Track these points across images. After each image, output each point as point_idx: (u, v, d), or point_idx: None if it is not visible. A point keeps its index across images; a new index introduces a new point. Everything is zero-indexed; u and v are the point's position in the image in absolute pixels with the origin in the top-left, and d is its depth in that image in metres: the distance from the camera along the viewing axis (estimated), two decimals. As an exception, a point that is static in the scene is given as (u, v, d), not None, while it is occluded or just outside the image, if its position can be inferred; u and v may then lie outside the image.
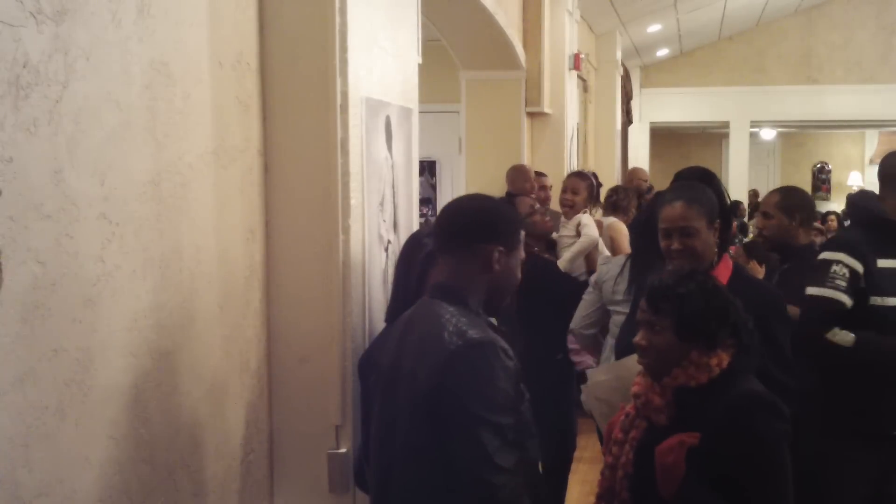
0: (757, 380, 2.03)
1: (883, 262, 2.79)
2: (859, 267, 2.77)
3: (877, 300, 2.76)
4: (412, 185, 3.03)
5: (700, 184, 2.46)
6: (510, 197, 5.75)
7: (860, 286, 2.75)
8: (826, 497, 2.80)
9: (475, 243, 1.90)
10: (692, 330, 2.01)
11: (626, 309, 3.02)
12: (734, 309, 2.04)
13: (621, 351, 2.55)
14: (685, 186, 2.46)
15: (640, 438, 2.04)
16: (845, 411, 2.78)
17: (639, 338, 2.06)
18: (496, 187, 6.30)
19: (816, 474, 2.75)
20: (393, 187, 2.82)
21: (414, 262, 2.30)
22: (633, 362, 2.28)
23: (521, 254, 2.01)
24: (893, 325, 2.75)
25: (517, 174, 5.87)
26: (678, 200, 2.40)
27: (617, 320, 3.41)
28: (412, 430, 1.81)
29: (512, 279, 1.97)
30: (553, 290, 3.87)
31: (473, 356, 1.76)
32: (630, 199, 5.79)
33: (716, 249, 2.43)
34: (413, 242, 2.41)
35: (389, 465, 1.88)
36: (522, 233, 2.02)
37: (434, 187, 9.02)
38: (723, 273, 2.41)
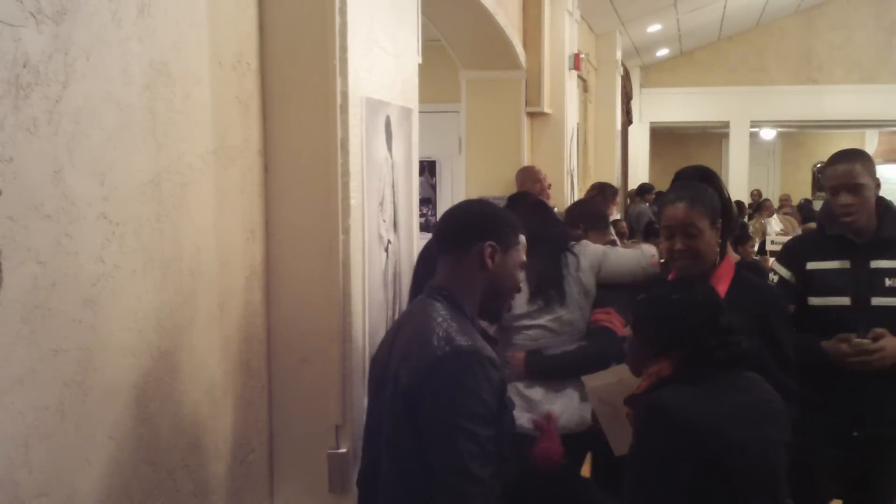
0: (713, 388, 1.94)
1: (812, 265, 2.88)
2: (787, 273, 2.92)
3: (814, 300, 2.85)
4: (412, 185, 3.03)
5: (701, 184, 2.46)
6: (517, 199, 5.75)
7: (796, 290, 2.86)
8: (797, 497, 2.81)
9: (469, 241, 1.92)
10: (638, 333, 2.07)
11: (532, 321, 2.99)
12: (686, 325, 1.98)
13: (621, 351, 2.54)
14: (687, 186, 2.46)
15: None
16: (812, 412, 2.79)
17: (625, 330, 2.13)
18: (496, 187, 6.31)
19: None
20: (393, 187, 2.83)
21: (426, 265, 2.28)
22: (619, 371, 2.29)
23: (521, 257, 2.01)
24: (833, 322, 2.78)
25: (526, 175, 5.86)
26: (681, 200, 2.39)
27: (530, 335, 3.03)
28: (393, 430, 1.81)
29: (509, 280, 1.97)
30: None
31: (458, 364, 1.75)
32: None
33: (717, 249, 2.42)
34: (427, 248, 2.38)
35: (375, 461, 1.88)
36: (523, 238, 2.01)
37: (434, 187, 9.02)
38: (725, 273, 2.40)
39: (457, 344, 1.77)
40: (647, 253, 3.20)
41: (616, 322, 3.13)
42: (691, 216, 2.36)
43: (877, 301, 2.76)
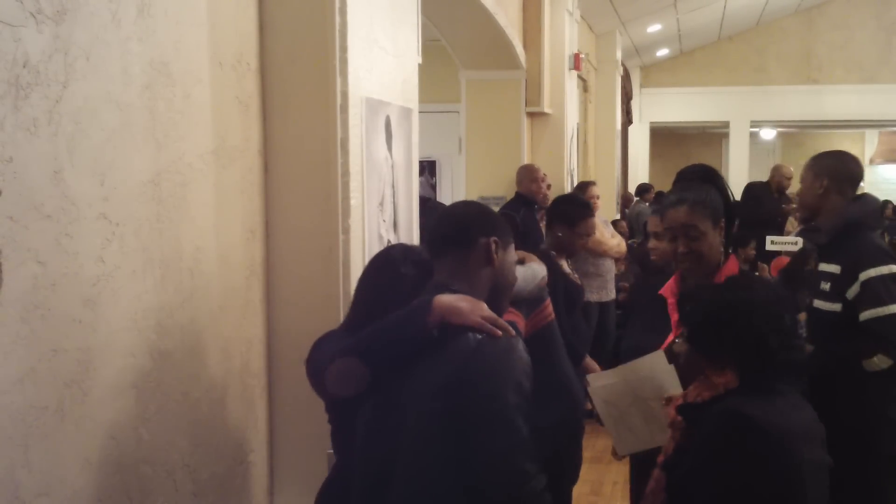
0: (780, 402, 1.87)
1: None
2: None
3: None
4: (412, 185, 3.03)
5: (704, 184, 2.44)
6: (520, 197, 5.74)
7: None
8: None
9: (473, 237, 1.91)
10: (697, 344, 1.96)
11: None
12: (751, 328, 1.88)
13: (624, 351, 2.52)
14: (688, 187, 2.44)
15: (665, 460, 2.00)
16: None
17: (677, 343, 2.04)
18: (496, 187, 6.31)
19: None
20: (393, 187, 2.83)
21: (390, 288, 2.08)
22: (638, 366, 2.26)
23: (515, 256, 2.02)
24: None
25: (524, 174, 5.85)
26: (682, 202, 2.38)
27: None
28: (422, 429, 1.79)
29: (510, 276, 1.98)
30: (565, 295, 3.79)
31: (498, 348, 1.76)
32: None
33: (721, 250, 2.41)
34: (387, 266, 2.15)
35: (381, 467, 1.84)
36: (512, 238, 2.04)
37: (434, 187, 9.02)
38: (730, 273, 2.39)
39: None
40: (538, 273, 2.97)
41: (518, 319, 3.12)
42: (693, 218, 2.34)
43: (816, 304, 2.84)
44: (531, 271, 2.88)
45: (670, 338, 2.35)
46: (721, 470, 1.82)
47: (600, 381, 2.40)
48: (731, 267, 2.42)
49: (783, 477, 1.80)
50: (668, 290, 2.45)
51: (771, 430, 1.80)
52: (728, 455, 1.81)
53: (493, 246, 1.90)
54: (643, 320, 2.55)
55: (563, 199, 4.08)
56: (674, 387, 2.18)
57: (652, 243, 3.29)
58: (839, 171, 2.87)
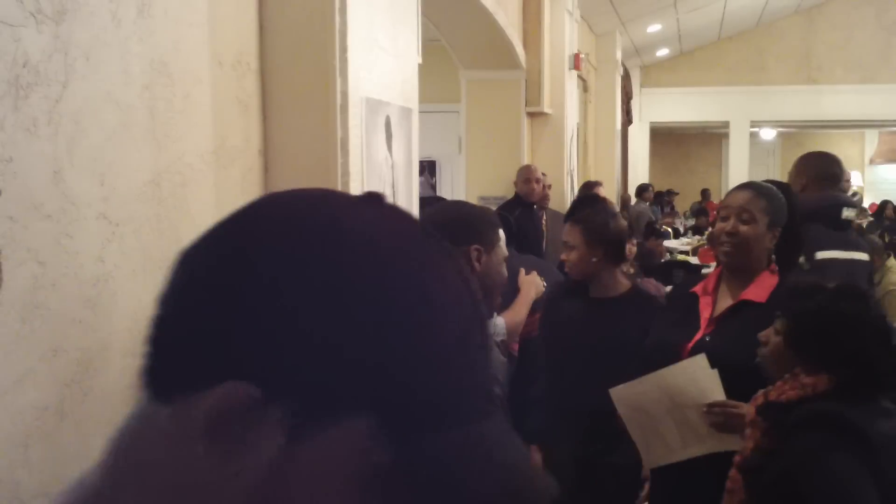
0: (877, 408, 1.80)
1: None
2: None
3: None
4: (412, 185, 3.03)
5: (775, 188, 2.43)
6: (517, 198, 5.75)
7: None
8: None
9: (454, 247, 1.93)
10: (797, 344, 1.90)
11: None
12: (859, 343, 1.83)
13: (649, 347, 2.44)
14: (759, 183, 2.47)
15: (742, 461, 1.93)
16: None
17: (763, 334, 1.98)
18: (496, 187, 6.31)
19: None
20: (393, 187, 2.83)
21: None
22: (676, 371, 2.16)
23: (504, 252, 2.03)
24: None
25: (519, 175, 5.88)
26: (748, 188, 2.38)
27: None
28: None
29: (496, 277, 2.00)
30: None
31: None
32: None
33: (772, 256, 2.35)
34: None
35: None
36: (501, 232, 2.04)
37: (434, 187, 9.02)
38: (765, 283, 2.33)
39: None
40: (497, 329, 2.57)
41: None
42: (752, 204, 2.33)
43: None
44: (500, 327, 2.55)
45: (699, 335, 2.32)
46: (818, 473, 1.75)
47: (631, 389, 2.26)
48: (769, 277, 2.35)
49: (886, 484, 1.73)
50: (702, 287, 2.42)
51: (873, 436, 1.74)
52: (826, 459, 1.75)
53: (475, 254, 1.94)
54: (670, 316, 2.51)
55: (577, 204, 4.01)
56: (717, 393, 2.09)
57: (563, 255, 2.84)
58: (814, 167, 2.95)
